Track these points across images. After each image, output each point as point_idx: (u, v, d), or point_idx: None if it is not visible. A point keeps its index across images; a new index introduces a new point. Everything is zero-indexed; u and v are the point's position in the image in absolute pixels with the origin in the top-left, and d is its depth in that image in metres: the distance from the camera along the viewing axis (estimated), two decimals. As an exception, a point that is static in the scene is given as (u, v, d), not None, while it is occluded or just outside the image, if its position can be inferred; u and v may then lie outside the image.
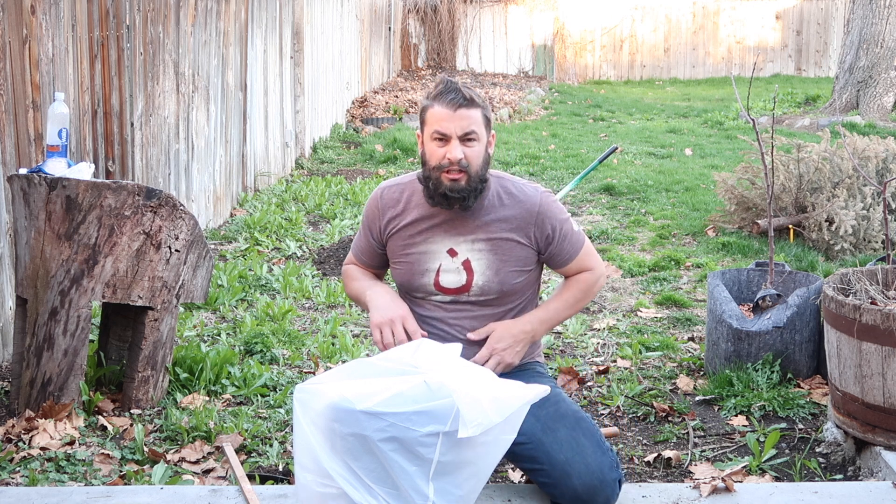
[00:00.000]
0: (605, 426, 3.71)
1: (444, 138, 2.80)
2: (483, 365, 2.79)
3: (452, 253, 2.90)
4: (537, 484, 2.74)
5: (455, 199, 2.82)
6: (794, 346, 3.98)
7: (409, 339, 2.83)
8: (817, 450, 3.49)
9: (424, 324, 2.94)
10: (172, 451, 3.40)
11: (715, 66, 19.30)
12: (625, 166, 9.28)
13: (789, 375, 3.98)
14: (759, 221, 6.45)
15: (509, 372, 2.93)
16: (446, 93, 2.80)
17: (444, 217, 2.90)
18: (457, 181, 2.80)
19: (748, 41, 19.29)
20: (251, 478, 3.13)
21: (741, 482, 3.03)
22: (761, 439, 3.55)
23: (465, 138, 2.80)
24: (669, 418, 3.78)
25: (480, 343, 2.92)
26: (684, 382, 4.10)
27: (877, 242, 6.07)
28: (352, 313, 5.05)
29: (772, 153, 5.36)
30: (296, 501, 2.56)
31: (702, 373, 4.23)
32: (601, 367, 4.28)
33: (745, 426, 3.68)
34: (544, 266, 3.05)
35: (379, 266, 3.10)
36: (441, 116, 2.79)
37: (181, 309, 4.79)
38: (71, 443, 3.40)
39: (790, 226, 6.29)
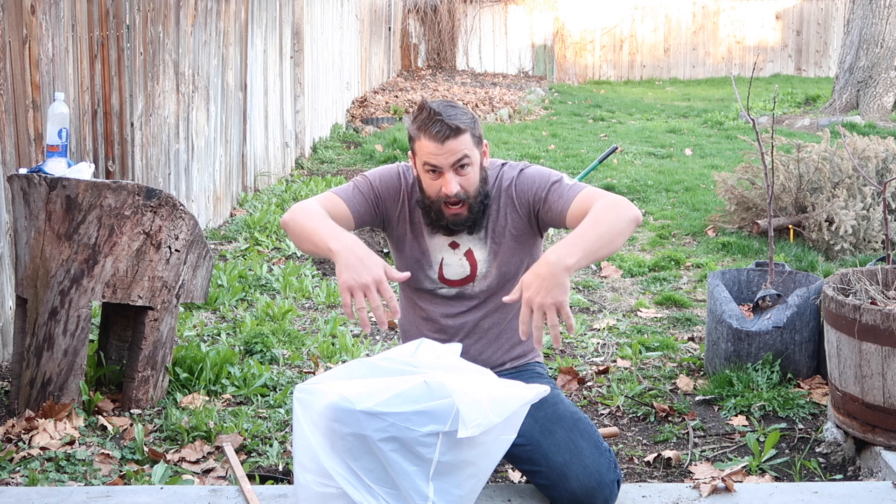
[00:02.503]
0: (605, 426, 3.71)
1: (436, 171, 2.73)
2: (528, 321, 2.45)
3: (454, 245, 2.89)
4: (535, 486, 2.74)
5: (458, 230, 2.82)
6: (794, 346, 3.98)
7: (387, 306, 2.54)
8: (817, 450, 3.49)
9: (431, 320, 2.93)
10: (172, 451, 3.40)
11: (715, 66, 19.30)
12: (625, 166, 9.28)
13: (789, 375, 3.98)
14: (759, 221, 6.45)
15: (509, 372, 2.94)
16: (430, 125, 2.67)
17: None
18: (458, 215, 2.78)
19: (748, 41, 19.30)
20: (251, 478, 3.13)
21: (741, 482, 3.03)
22: (761, 439, 3.55)
23: (458, 166, 2.73)
24: (669, 418, 3.78)
25: (481, 340, 2.92)
26: (684, 382, 4.10)
27: (877, 242, 6.07)
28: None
29: (772, 153, 5.37)
30: (295, 501, 2.55)
31: (702, 373, 4.23)
32: (601, 367, 4.28)
33: (745, 426, 3.68)
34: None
35: (358, 222, 2.85)
36: (430, 150, 2.69)
37: (181, 309, 4.79)
38: (71, 443, 3.40)
39: (790, 226, 6.29)
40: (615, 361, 4.41)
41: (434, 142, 2.67)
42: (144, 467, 3.27)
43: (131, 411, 3.70)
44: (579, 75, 18.87)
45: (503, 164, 2.92)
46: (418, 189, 2.82)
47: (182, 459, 3.33)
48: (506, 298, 2.53)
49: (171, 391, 3.87)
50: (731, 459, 3.42)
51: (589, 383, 4.14)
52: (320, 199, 2.81)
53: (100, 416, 3.61)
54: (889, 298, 3.40)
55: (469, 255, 2.88)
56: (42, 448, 3.34)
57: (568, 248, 2.48)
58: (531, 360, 3.04)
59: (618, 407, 3.89)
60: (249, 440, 3.49)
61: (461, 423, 2.36)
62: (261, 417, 3.73)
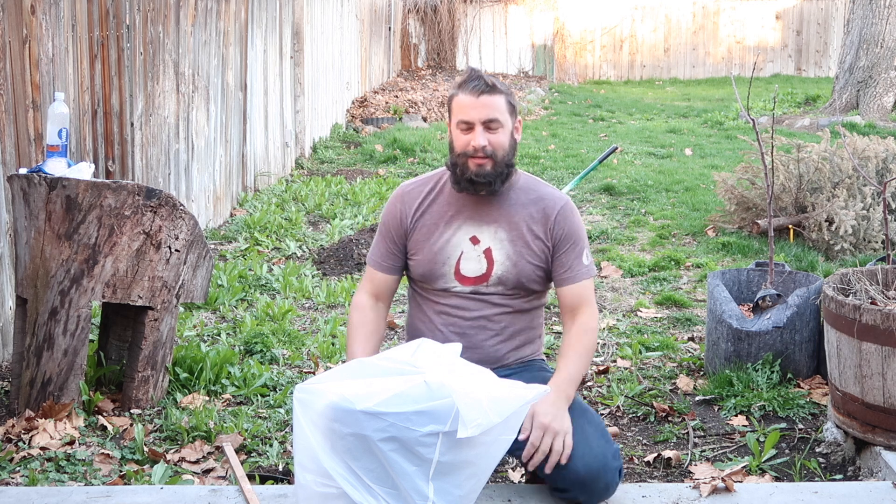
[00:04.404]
0: (606, 426, 3.71)
1: (468, 126, 2.85)
2: (539, 446, 2.64)
3: (475, 240, 2.93)
4: (537, 471, 2.74)
5: (481, 183, 2.86)
6: (794, 346, 3.98)
7: None
8: (817, 450, 3.49)
9: (445, 314, 2.96)
10: (172, 451, 3.40)
11: (715, 66, 19.30)
12: (625, 166, 9.28)
13: (789, 375, 3.98)
14: (759, 221, 6.45)
15: (517, 365, 2.97)
16: (470, 81, 2.84)
17: (468, 204, 2.93)
18: (482, 166, 2.84)
19: (748, 41, 19.29)
20: (251, 478, 3.13)
21: (741, 482, 3.03)
22: (761, 439, 3.55)
23: (489, 125, 2.84)
24: (669, 418, 3.78)
25: (495, 336, 2.94)
26: (684, 382, 4.10)
27: (877, 242, 6.07)
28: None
29: (772, 153, 5.37)
30: (295, 501, 2.56)
31: (702, 373, 4.23)
32: (601, 367, 4.28)
33: (745, 426, 3.68)
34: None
35: (398, 271, 3.04)
36: (465, 104, 2.83)
37: (181, 309, 4.79)
38: (71, 443, 3.40)
39: (790, 226, 6.29)
40: (615, 361, 4.41)
41: (470, 95, 2.83)
42: (144, 467, 3.27)
43: (131, 411, 3.70)
44: (579, 75, 18.87)
45: (550, 186, 3.03)
46: (449, 150, 2.94)
47: (182, 459, 3.33)
48: (520, 436, 2.62)
49: (171, 391, 3.87)
50: (731, 459, 3.42)
51: (589, 383, 4.14)
52: (364, 284, 3.06)
53: (100, 416, 3.61)
54: (889, 298, 3.40)
55: (488, 253, 2.92)
56: (42, 448, 3.34)
57: (570, 383, 2.79)
58: (534, 356, 3.07)
59: (618, 407, 3.89)
60: (249, 440, 3.49)
61: (461, 423, 2.37)
62: (261, 417, 3.73)
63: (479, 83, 2.83)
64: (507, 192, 2.93)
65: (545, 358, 3.14)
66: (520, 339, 2.99)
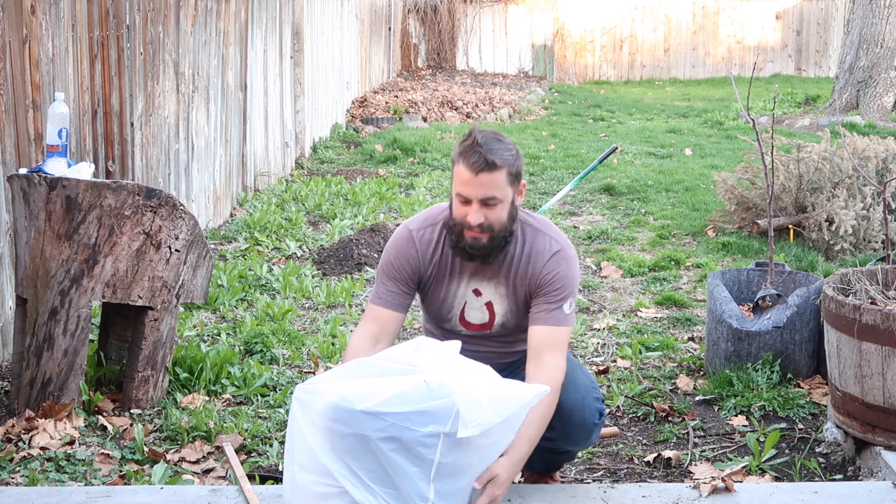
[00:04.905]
0: (606, 426, 3.71)
1: (466, 201, 2.78)
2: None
3: (477, 293, 2.94)
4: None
5: (475, 255, 2.84)
6: (794, 346, 3.98)
7: None
8: (817, 450, 3.49)
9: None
10: (172, 451, 3.40)
11: (715, 66, 19.30)
12: (625, 166, 9.28)
13: (789, 375, 3.98)
14: (759, 221, 6.45)
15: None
16: (471, 153, 2.73)
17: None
18: (478, 239, 2.80)
19: (748, 41, 19.29)
20: (251, 478, 3.13)
21: (741, 482, 3.03)
22: (761, 439, 3.55)
23: (487, 202, 2.76)
24: (669, 418, 3.78)
25: (480, 335, 2.95)
26: (684, 382, 4.10)
27: (877, 242, 6.07)
28: (352, 313, 5.05)
29: (772, 153, 5.37)
30: (290, 500, 2.55)
31: (702, 373, 4.23)
32: (601, 367, 4.28)
33: (745, 426, 3.68)
34: None
35: (406, 308, 2.98)
36: (464, 179, 2.74)
37: (181, 309, 4.78)
38: (71, 443, 3.40)
39: (790, 226, 6.29)
40: (615, 361, 4.41)
41: (469, 171, 2.73)
42: (144, 467, 3.27)
43: (131, 411, 3.70)
44: (579, 75, 18.87)
45: (542, 228, 2.93)
46: (449, 209, 2.88)
47: (182, 459, 3.33)
48: (476, 484, 2.59)
49: (171, 391, 3.87)
50: (731, 459, 3.42)
51: (589, 383, 4.14)
52: (364, 324, 2.93)
53: (100, 416, 3.61)
54: (889, 298, 3.40)
55: (489, 305, 2.94)
56: (42, 448, 3.34)
57: (522, 463, 2.71)
58: None
59: (618, 407, 3.89)
60: (249, 440, 3.49)
61: (461, 422, 2.37)
62: (261, 417, 3.73)
63: (479, 160, 2.71)
64: (506, 254, 2.89)
65: None
66: (524, 350, 3.00)
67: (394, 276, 2.94)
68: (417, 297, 3.03)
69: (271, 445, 3.45)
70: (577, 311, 2.92)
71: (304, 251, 6.27)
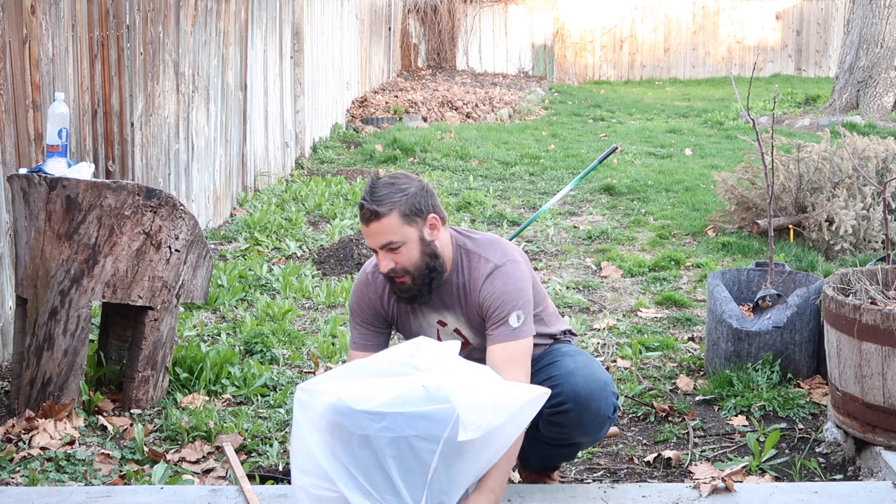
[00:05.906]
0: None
1: (374, 250, 2.79)
2: None
3: (442, 323, 2.95)
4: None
5: (408, 297, 2.84)
6: (794, 346, 3.98)
7: None
8: (817, 450, 3.49)
9: None
10: (172, 451, 3.40)
11: (715, 66, 19.30)
12: (625, 166, 9.28)
13: (789, 375, 3.98)
14: (759, 221, 6.45)
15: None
16: (360, 205, 2.73)
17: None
18: (402, 283, 2.81)
19: (748, 41, 19.29)
20: (251, 478, 3.13)
21: (741, 482, 3.03)
22: (761, 439, 3.55)
23: (387, 248, 2.75)
24: (669, 418, 3.78)
25: (465, 352, 2.94)
26: (684, 382, 4.10)
27: (877, 242, 6.07)
28: (352, 313, 5.04)
29: (772, 153, 5.37)
30: (294, 502, 2.55)
31: (702, 373, 4.23)
32: (601, 367, 4.28)
33: (745, 426, 3.68)
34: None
35: (385, 343, 2.99)
36: (363, 231, 2.76)
37: (181, 309, 4.78)
38: (71, 443, 3.40)
39: (790, 226, 6.29)
40: (615, 361, 4.41)
41: (362, 223, 2.75)
42: (144, 467, 3.27)
43: (131, 411, 3.70)
44: (579, 75, 18.87)
45: (477, 250, 2.87)
46: None
47: (182, 459, 3.33)
48: None
49: (171, 391, 3.87)
50: (731, 459, 3.42)
51: (589, 383, 4.14)
52: (351, 357, 2.95)
53: (100, 416, 3.61)
54: (889, 298, 3.40)
55: (458, 332, 2.95)
56: (42, 448, 3.34)
57: (495, 493, 2.64)
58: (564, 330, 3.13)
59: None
60: (249, 440, 3.49)
61: (461, 426, 2.36)
62: (261, 417, 3.73)
63: (364, 212, 2.71)
64: (450, 284, 2.87)
65: (559, 333, 3.09)
66: None
67: (362, 320, 2.97)
68: None
69: (271, 445, 3.45)
70: (530, 320, 2.87)
71: (304, 251, 6.28)
